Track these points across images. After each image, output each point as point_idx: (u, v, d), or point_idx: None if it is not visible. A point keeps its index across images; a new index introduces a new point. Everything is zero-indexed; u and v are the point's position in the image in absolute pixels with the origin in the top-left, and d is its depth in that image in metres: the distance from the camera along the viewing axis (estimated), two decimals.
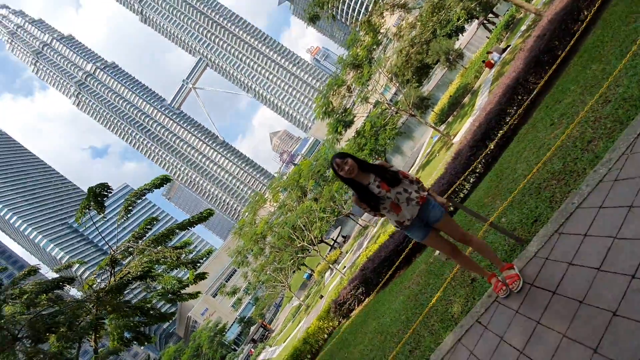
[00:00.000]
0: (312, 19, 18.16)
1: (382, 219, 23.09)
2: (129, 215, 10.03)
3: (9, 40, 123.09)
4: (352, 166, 2.86)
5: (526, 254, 3.18)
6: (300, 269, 38.81)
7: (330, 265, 30.34)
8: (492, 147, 6.88)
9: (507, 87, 7.01)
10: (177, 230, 10.99)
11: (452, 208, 3.07)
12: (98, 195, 8.07)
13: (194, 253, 12.29)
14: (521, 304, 2.85)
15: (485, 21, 35.59)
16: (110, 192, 8.27)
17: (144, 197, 11.10)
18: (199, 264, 10.91)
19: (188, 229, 11.16)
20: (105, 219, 10.30)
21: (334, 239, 44.22)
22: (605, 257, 2.36)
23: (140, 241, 10.84)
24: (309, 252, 27.91)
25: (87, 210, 8.24)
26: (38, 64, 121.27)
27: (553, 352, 2.31)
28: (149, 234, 11.19)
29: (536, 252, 3.07)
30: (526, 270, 3.06)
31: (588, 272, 2.42)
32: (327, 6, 17.49)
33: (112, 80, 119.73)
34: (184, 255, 10.77)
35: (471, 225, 5.07)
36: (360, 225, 35.15)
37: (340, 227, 46.90)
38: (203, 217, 10.80)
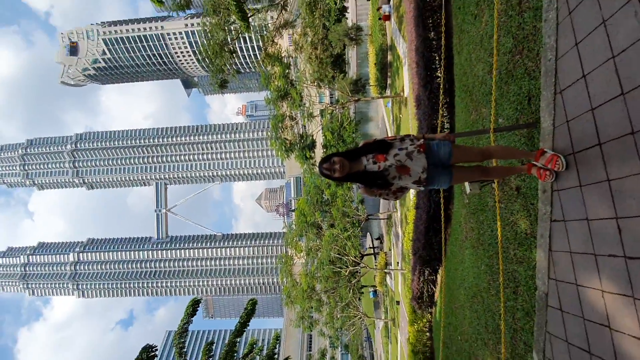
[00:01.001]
0: (222, 85, 18.56)
1: (398, 201, 22.83)
2: (186, 358, 9.47)
3: None
4: (341, 163, 2.68)
5: (546, 132, 2.99)
6: (363, 293, 37.59)
7: (385, 271, 29.50)
8: (441, 74, 6.85)
9: (416, 19, 7.08)
10: (237, 339, 10.42)
11: (452, 138, 2.87)
12: None
13: (265, 349, 11.68)
14: (579, 176, 2.62)
15: None
16: (156, 350, 7.81)
17: (189, 332, 10.59)
18: (276, 355, 10.29)
19: (244, 331, 10.60)
20: None
21: (372, 246, 43.32)
22: (619, 80, 2.18)
23: None
24: (359, 273, 27.06)
25: None
26: (29, 286, 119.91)
27: None
28: None
29: (553, 123, 2.89)
30: (557, 145, 2.86)
31: (615, 103, 2.23)
32: (226, 67, 17.91)
33: (97, 254, 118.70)
34: (258, 358, 10.19)
35: (478, 144, 4.89)
36: (384, 218, 34.66)
37: (368, 232, 46.18)
38: (250, 311, 10.29)
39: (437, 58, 7.03)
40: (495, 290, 4.34)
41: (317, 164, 2.83)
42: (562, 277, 2.92)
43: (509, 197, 3.83)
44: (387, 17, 21.47)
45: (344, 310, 27.77)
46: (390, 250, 31.74)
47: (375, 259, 39.89)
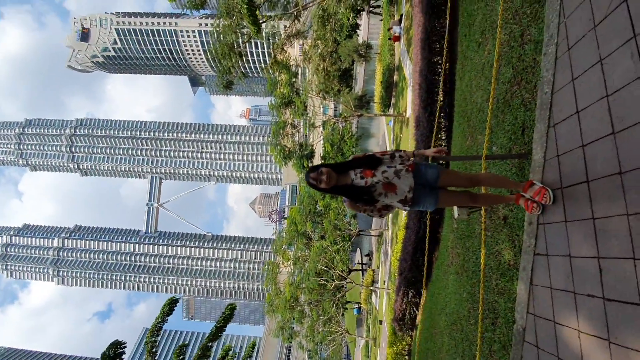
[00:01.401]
0: (227, 86, 18.63)
1: (390, 216, 22.65)
2: (156, 358, 9.21)
3: None
4: (328, 174, 2.64)
5: (536, 164, 2.98)
6: (347, 309, 37.15)
7: (371, 288, 29.23)
8: (441, 98, 6.90)
9: (422, 41, 7.17)
10: (211, 344, 10.19)
11: (445, 154, 2.85)
12: (114, 357, 7.38)
13: (240, 356, 11.45)
14: (565, 212, 2.60)
15: (370, 9, 37.92)
16: (125, 346, 7.61)
17: (164, 331, 10.34)
18: None
19: (220, 335, 10.38)
20: None
21: (360, 262, 43.03)
22: (611, 119, 2.18)
23: None
24: (345, 288, 26.79)
25: None
26: (8, 267, 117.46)
27: (628, 237, 2.04)
28: None
29: (544, 156, 2.87)
30: (546, 178, 2.84)
31: (605, 142, 2.22)
32: (233, 69, 18.01)
33: (83, 241, 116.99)
34: None
35: (469, 170, 4.88)
36: (375, 235, 34.51)
37: (358, 247, 45.91)
38: (228, 316, 10.11)
39: (439, 82, 7.08)
40: (475, 319, 4.26)
41: (305, 172, 2.79)
42: (541, 312, 2.86)
43: (495, 226, 3.79)
44: (397, 38, 21.81)
45: (326, 325, 27.36)
46: (378, 268, 31.51)
47: (362, 275, 39.57)
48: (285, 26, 19.57)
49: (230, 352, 11.00)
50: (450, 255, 5.93)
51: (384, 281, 24.35)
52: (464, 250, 5.04)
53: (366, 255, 42.71)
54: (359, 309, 42.72)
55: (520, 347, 3.13)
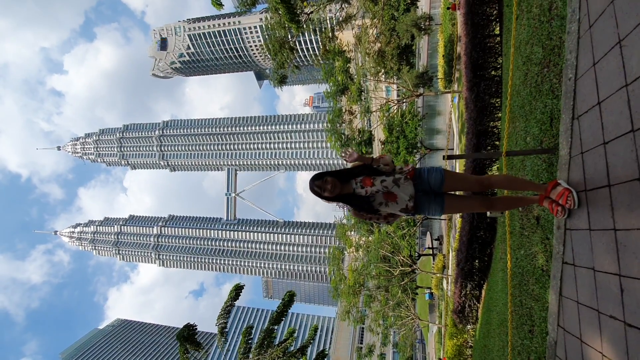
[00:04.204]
0: (281, 81, 19.15)
1: None
2: (226, 337, 10.22)
3: (93, 247, 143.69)
4: (333, 183, 2.61)
5: (562, 161, 2.61)
6: (417, 294, 36.45)
7: (438, 275, 28.16)
8: (492, 75, 6.25)
9: (465, 15, 6.53)
10: (274, 327, 10.94)
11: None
12: (188, 337, 8.41)
13: (302, 338, 12.07)
14: (589, 218, 2.26)
15: None
16: (196, 328, 8.61)
17: (249, 309, 11.34)
18: (307, 347, 10.59)
19: (281, 320, 11.07)
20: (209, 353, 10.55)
21: (430, 246, 41.52)
22: (630, 112, 1.82)
23: (250, 355, 10.89)
24: (414, 273, 26.22)
25: (187, 355, 8.57)
26: (120, 252, 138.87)
27: None
28: (253, 342, 11.22)
29: (570, 152, 2.50)
30: (572, 178, 2.48)
31: (624, 140, 1.87)
32: (287, 63, 18.39)
33: (176, 229, 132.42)
34: (291, 347, 10.60)
35: (510, 165, 4.42)
36: (444, 219, 32.91)
37: (428, 231, 44.35)
38: (287, 302, 10.73)
39: (486, 59, 6.43)
40: (517, 323, 3.94)
41: (309, 179, 2.83)
42: (569, 327, 2.56)
43: (531, 226, 3.43)
44: (457, 6, 19.95)
45: (395, 309, 27.22)
46: (449, 252, 30.08)
47: (433, 260, 38.19)
48: (330, 10, 19.21)
49: (293, 336, 11.59)
50: (500, 251, 5.49)
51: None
52: (514, 248, 4.63)
53: (436, 240, 41.01)
54: (431, 294, 41.48)
55: None
